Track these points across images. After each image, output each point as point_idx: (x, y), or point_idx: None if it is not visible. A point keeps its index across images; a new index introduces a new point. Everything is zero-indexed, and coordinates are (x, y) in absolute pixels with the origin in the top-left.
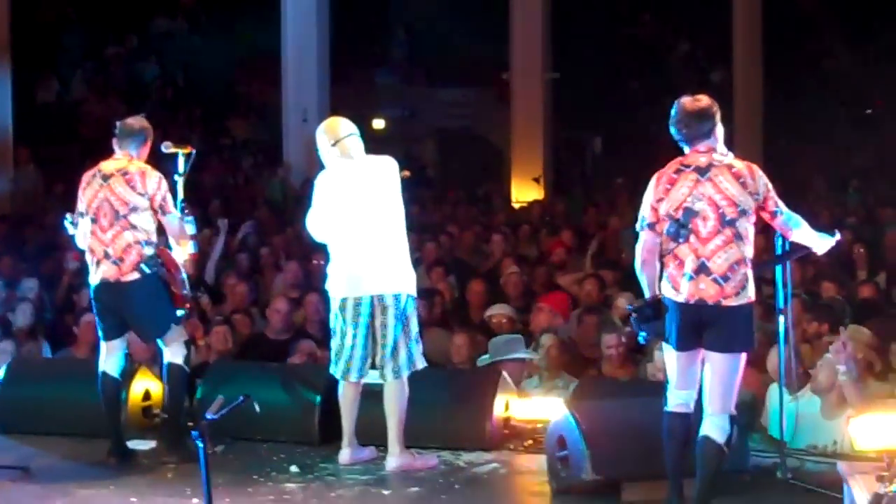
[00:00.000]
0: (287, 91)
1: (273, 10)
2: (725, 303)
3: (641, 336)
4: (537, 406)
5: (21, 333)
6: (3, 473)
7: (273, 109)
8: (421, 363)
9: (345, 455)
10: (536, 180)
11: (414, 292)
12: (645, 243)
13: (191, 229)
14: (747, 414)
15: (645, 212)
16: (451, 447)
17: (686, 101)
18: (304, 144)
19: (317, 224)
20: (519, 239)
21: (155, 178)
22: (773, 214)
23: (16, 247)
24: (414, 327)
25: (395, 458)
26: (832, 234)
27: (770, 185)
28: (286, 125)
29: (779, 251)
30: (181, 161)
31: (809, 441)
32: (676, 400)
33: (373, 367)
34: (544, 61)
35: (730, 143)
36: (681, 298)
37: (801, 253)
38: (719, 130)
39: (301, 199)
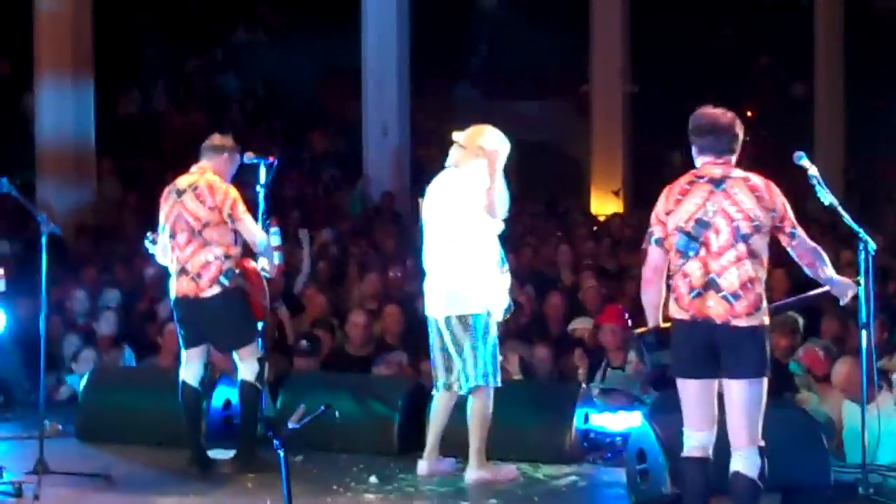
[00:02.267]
0: (367, 104)
1: (354, 23)
2: (736, 322)
3: (651, 364)
4: (617, 419)
5: (104, 342)
6: (85, 481)
7: (353, 122)
8: (495, 378)
9: (423, 467)
10: (616, 193)
11: (485, 309)
12: (652, 261)
13: (276, 240)
14: (826, 431)
15: (653, 226)
16: (530, 459)
17: (711, 111)
18: (384, 157)
19: None
20: (599, 251)
21: (222, 189)
22: (790, 236)
23: (98, 257)
24: (486, 342)
25: (474, 471)
26: (857, 283)
27: (788, 206)
28: (366, 138)
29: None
30: (263, 172)
31: (893, 457)
32: (692, 443)
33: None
34: (624, 74)
35: (810, 157)
36: (685, 316)
37: (818, 293)
38: (737, 149)
39: (380, 210)
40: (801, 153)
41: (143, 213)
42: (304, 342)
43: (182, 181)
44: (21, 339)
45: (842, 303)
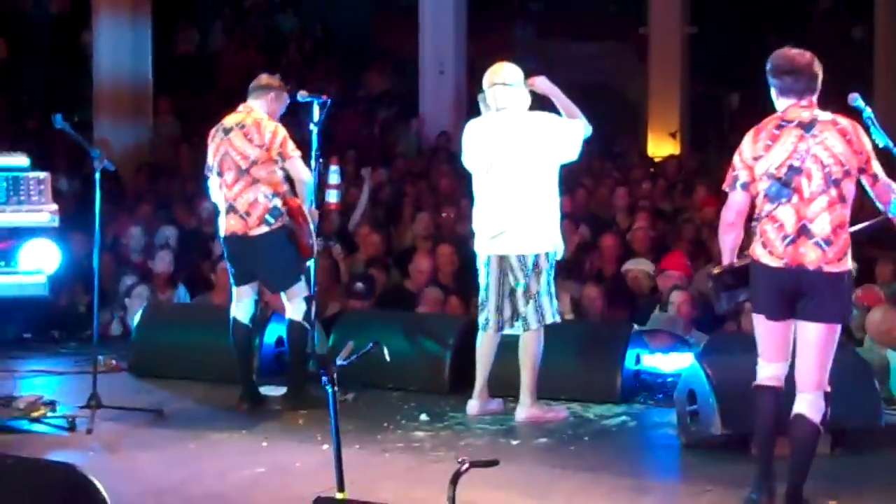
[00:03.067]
0: (424, 43)
1: None
2: (827, 269)
3: (721, 305)
4: (668, 360)
5: (159, 280)
6: (138, 416)
7: (409, 62)
8: (552, 317)
9: (473, 406)
10: (673, 135)
11: (548, 249)
12: (735, 204)
13: (335, 179)
14: (879, 374)
15: (738, 170)
16: (581, 400)
17: (792, 52)
18: (440, 97)
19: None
20: (655, 193)
21: (270, 128)
22: (875, 178)
23: (155, 195)
24: (546, 282)
25: (525, 409)
26: None
27: (871, 147)
28: (422, 77)
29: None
30: (316, 110)
31: None
32: (766, 373)
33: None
34: (683, 16)
35: (869, 100)
36: (778, 263)
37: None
38: (817, 88)
39: (436, 150)
40: (857, 95)
41: (200, 150)
42: (359, 284)
43: (229, 120)
44: (76, 275)
45: None
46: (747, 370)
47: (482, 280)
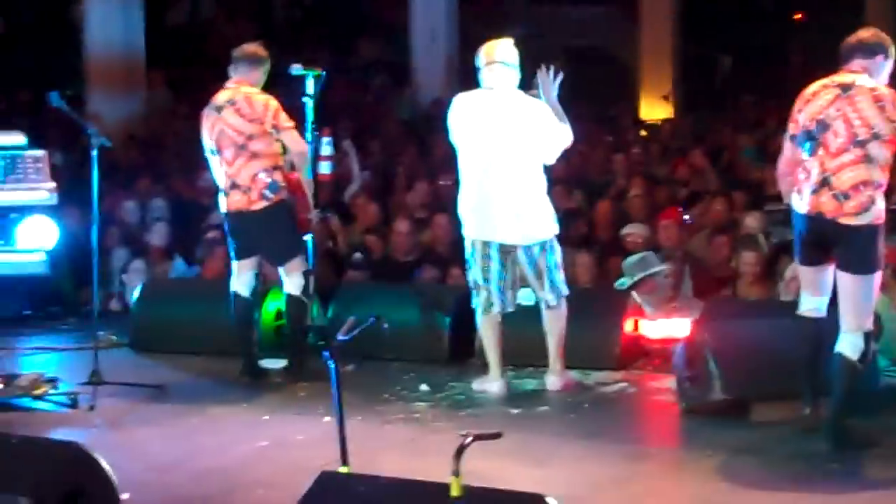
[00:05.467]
0: (415, 11)
1: None
2: (844, 220)
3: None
4: (667, 326)
5: (155, 253)
6: (140, 391)
7: (401, 29)
8: (565, 289)
9: (498, 387)
10: (666, 98)
11: (550, 235)
12: (785, 153)
13: (327, 150)
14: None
15: (790, 123)
16: (580, 367)
17: (862, 31)
18: (433, 64)
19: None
20: (649, 157)
21: (261, 100)
22: None
23: (149, 168)
24: (553, 258)
25: (558, 377)
26: None
27: None
28: (414, 45)
29: None
30: (310, 83)
31: None
32: (807, 305)
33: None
34: None
35: None
36: (804, 209)
37: None
38: (886, 65)
39: (430, 118)
40: None
41: (194, 122)
42: (357, 255)
43: (220, 97)
44: (74, 251)
45: None
46: (745, 335)
47: (477, 263)
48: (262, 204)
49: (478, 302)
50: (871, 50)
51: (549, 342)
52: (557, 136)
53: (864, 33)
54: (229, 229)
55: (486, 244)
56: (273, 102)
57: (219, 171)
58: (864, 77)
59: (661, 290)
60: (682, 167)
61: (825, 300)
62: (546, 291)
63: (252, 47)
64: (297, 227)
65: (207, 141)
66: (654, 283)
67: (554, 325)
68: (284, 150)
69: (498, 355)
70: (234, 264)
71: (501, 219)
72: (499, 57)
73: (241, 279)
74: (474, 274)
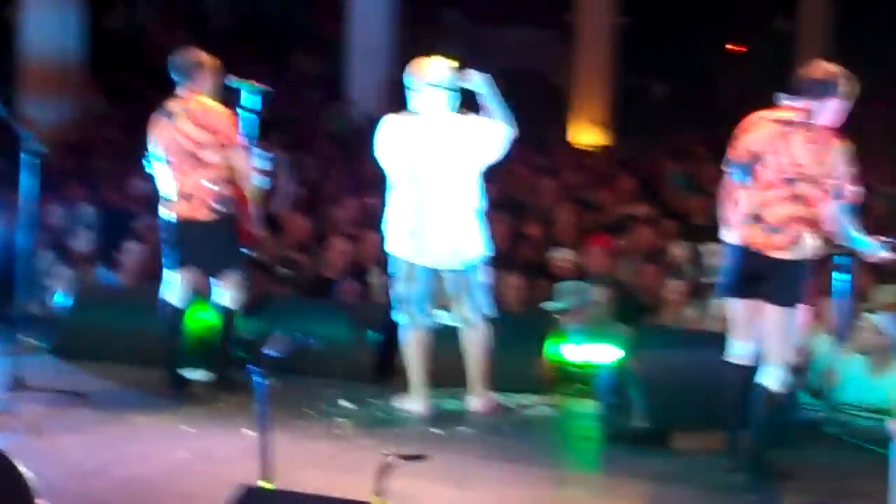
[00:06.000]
0: (352, 26)
1: None
2: (773, 254)
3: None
4: (591, 351)
5: (79, 259)
6: (61, 398)
7: (338, 44)
8: (489, 310)
9: (419, 405)
10: (597, 123)
11: (481, 255)
12: (724, 183)
13: (261, 164)
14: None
15: (729, 150)
16: (502, 389)
17: (817, 62)
18: (368, 81)
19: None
20: (579, 182)
21: (218, 112)
22: (825, 192)
23: (80, 174)
24: (481, 279)
25: (478, 398)
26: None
27: (842, 170)
28: (351, 61)
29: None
30: (247, 97)
31: (858, 398)
32: (735, 351)
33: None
34: (612, 4)
35: None
36: (735, 240)
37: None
38: (832, 104)
39: (364, 134)
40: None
41: (127, 128)
42: (283, 269)
43: (174, 105)
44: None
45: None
46: (670, 364)
47: (404, 280)
48: (208, 214)
49: (402, 317)
50: (819, 90)
51: (469, 363)
52: (495, 135)
53: (816, 71)
54: (173, 238)
55: (412, 266)
56: (229, 117)
57: (166, 179)
58: (805, 115)
59: (591, 320)
60: (611, 193)
61: (752, 347)
62: (468, 311)
63: (197, 54)
64: (240, 239)
65: (155, 147)
66: (585, 312)
67: (475, 346)
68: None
69: (422, 374)
70: (170, 274)
71: (437, 245)
72: (430, 79)
73: (176, 290)
74: (400, 291)
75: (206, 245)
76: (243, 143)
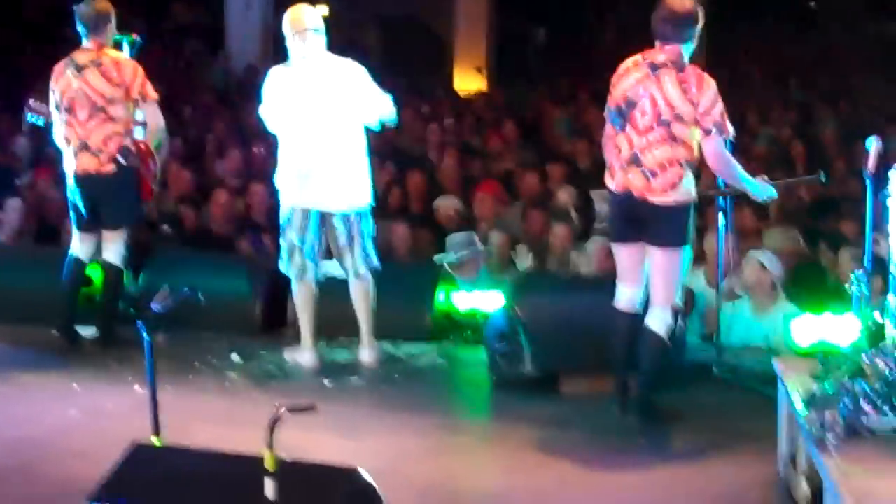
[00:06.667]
0: None
1: None
2: (652, 198)
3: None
4: (479, 298)
5: None
6: None
7: None
8: (376, 261)
9: (311, 358)
10: (479, 70)
11: (367, 204)
12: (606, 129)
13: (140, 115)
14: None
15: (608, 97)
16: (390, 337)
17: (675, 2)
18: (247, 31)
19: (268, 118)
20: (462, 129)
21: (129, 67)
22: (706, 133)
23: None
24: (367, 228)
25: (368, 349)
26: (772, 187)
27: (717, 104)
28: (228, 11)
29: (720, 184)
30: (126, 49)
31: (743, 339)
32: (622, 296)
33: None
34: None
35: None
36: (615, 188)
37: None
38: (693, 38)
39: (244, 85)
40: None
41: (3, 84)
42: (165, 226)
43: (81, 57)
44: None
45: (757, 199)
46: (556, 310)
47: (294, 229)
48: (112, 168)
49: (291, 269)
50: (682, 28)
51: (358, 314)
52: (380, 104)
53: (677, 6)
54: (76, 192)
55: (305, 212)
56: (140, 71)
57: (67, 131)
58: (673, 54)
59: (480, 270)
60: (495, 139)
61: (639, 293)
62: (357, 261)
63: (101, 5)
64: (141, 195)
65: (57, 98)
66: (476, 262)
67: (363, 297)
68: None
69: (311, 325)
70: (79, 233)
71: (323, 187)
72: (310, 24)
73: (84, 247)
74: (289, 240)
75: (108, 199)
76: (156, 97)
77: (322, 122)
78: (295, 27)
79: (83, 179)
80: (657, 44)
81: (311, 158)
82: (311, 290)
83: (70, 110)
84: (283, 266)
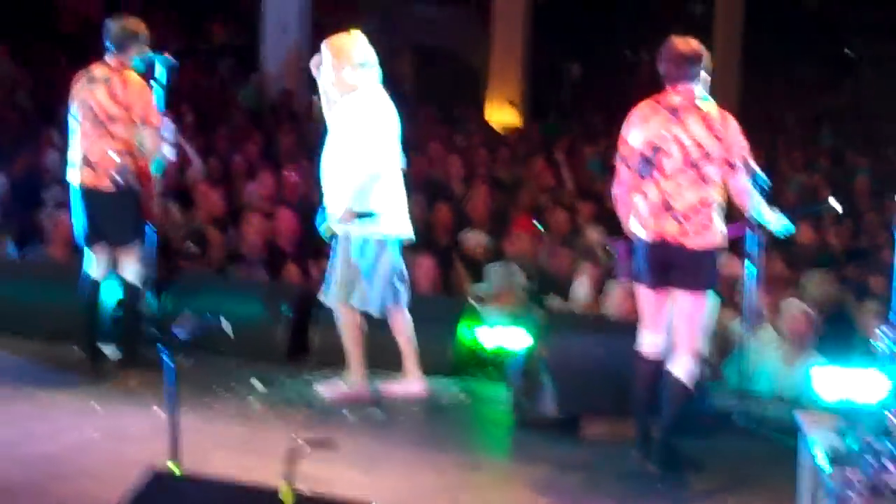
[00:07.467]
0: None
1: None
2: (686, 242)
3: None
4: (504, 335)
5: None
6: None
7: (253, 14)
8: (405, 297)
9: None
10: (512, 104)
11: (395, 233)
12: (618, 177)
13: (169, 134)
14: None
15: (620, 146)
16: None
17: (677, 41)
18: (283, 54)
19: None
20: (494, 163)
21: (137, 89)
22: (731, 167)
23: None
24: (393, 264)
25: (417, 382)
26: (791, 222)
27: (743, 143)
28: (265, 33)
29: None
30: (159, 69)
31: (770, 387)
32: (646, 342)
33: None
34: None
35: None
36: (644, 234)
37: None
38: (704, 77)
39: (278, 108)
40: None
41: (37, 95)
42: (191, 245)
43: (98, 71)
44: None
45: (774, 231)
46: (582, 351)
47: (338, 256)
48: (110, 185)
49: (331, 299)
50: (690, 63)
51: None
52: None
53: (683, 46)
54: (81, 206)
55: (332, 237)
56: (148, 94)
57: (76, 141)
58: (688, 96)
59: (515, 303)
60: (527, 175)
61: (663, 338)
62: (378, 294)
63: (134, 22)
64: (142, 214)
65: (73, 107)
66: (511, 295)
67: (405, 330)
68: None
69: (356, 350)
70: (87, 251)
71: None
72: (356, 59)
73: (96, 262)
74: (330, 264)
75: (108, 216)
76: (157, 123)
77: (351, 153)
78: (342, 60)
79: (84, 192)
80: (667, 87)
81: (337, 186)
82: (351, 315)
83: (80, 122)
84: (325, 295)
